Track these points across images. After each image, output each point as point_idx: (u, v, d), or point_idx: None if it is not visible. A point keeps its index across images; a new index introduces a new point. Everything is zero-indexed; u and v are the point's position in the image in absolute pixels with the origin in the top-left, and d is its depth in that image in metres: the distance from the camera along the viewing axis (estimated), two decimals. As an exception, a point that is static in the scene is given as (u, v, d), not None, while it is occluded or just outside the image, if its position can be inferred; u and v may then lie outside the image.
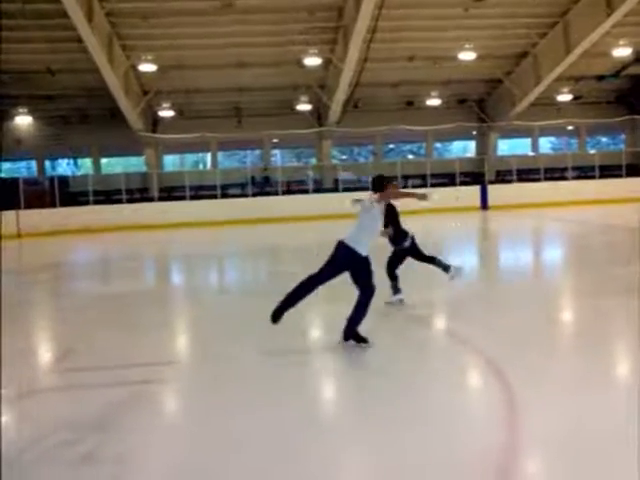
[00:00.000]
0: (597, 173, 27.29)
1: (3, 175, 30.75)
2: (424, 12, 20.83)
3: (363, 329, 5.69)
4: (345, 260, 5.59)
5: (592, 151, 30.98)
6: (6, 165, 32.50)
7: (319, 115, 28.90)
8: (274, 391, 4.73)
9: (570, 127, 31.50)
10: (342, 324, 5.82)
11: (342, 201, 24.39)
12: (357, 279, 5.65)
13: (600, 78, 27.95)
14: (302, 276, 5.63)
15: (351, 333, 5.65)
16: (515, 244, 15.06)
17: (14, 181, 24.86)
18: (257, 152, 32.47)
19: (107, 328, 7.16)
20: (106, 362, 5.66)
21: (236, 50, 22.92)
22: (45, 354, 6.61)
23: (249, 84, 25.96)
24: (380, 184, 6.02)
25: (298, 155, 34.17)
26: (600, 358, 5.20)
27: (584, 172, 28.21)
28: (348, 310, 5.66)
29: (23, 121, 27.01)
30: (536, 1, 20.65)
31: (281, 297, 5.56)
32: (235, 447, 3.79)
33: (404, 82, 27.03)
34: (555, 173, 28.48)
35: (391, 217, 7.00)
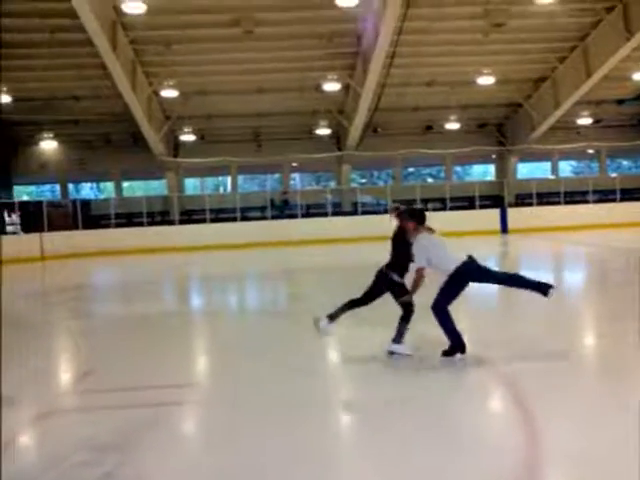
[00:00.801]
0: (618, 196, 27.04)
1: (28, 198, 31.34)
2: (443, 37, 20.99)
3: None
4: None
5: (613, 174, 30.76)
6: (31, 188, 33.17)
7: (338, 139, 29.11)
8: (293, 413, 4.74)
9: (591, 150, 31.35)
10: (363, 346, 5.80)
11: (362, 223, 24.52)
12: None
13: (620, 102, 27.88)
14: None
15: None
16: (535, 267, 14.94)
17: (38, 204, 25.29)
18: (276, 176, 32.73)
19: (127, 349, 7.23)
20: (125, 383, 5.71)
21: (256, 76, 23.27)
22: (65, 374, 6.69)
23: (269, 109, 26.28)
24: (421, 217, 6.08)
25: (317, 179, 34.38)
26: (621, 381, 5.13)
27: (605, 195, 27.99)
28: (371, 333, 5.67)
29: (48, 145, 27.60)
30: (555, 26, 20.70)
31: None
32: (253, 470, 3.80)
33: (423, 106, 27.17)
34: (576, 197, 28.28)
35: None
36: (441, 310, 5.86)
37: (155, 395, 5.34)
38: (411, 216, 6.08)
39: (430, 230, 6.07)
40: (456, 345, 5.86)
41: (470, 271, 5.88)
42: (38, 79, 22.28)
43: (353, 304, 6.31)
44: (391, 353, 6.05)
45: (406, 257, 6.04)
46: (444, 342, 5.85)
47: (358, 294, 6.29)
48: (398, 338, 6.04)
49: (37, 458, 4.25)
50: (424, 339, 6.56)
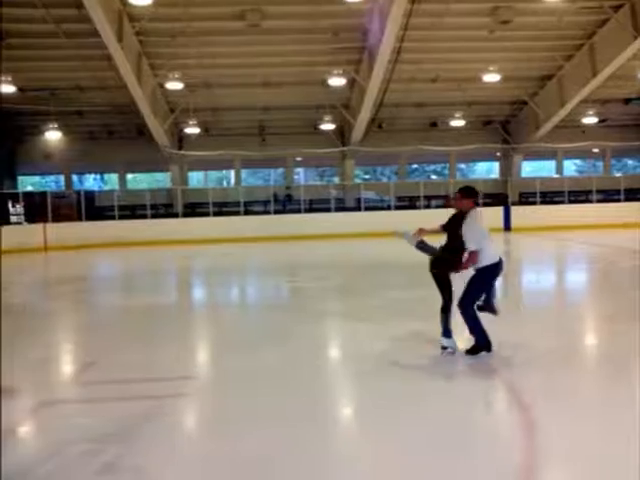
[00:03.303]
0: (622, 196, 26.99)
1: (32, 189, 31.40)
2: (449, 34, 20.92)
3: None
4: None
5: (618, 174, 30.68)
6: (35, 179, 33.23)
7: (343, 134, 29.09)
8: (293, 407, 4.75)
9: (595, 150, 31.27)
10: (364, 342, 5.76)
11: (365, 219, 24.52)
12: None
13: (627, 101, 27.81)
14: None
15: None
16: (538, 266, 14.94)
17: (42, 194, 25.34)
18: (280, 170, 32.73)
19: (129, 341, 7.25)
20: (127, 375, 5.73)
21: (262, 70, 23.25)
22: (67, 365, 6.71)
23: (274, 103, 26.29)
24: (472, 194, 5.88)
25: (321, 174, 34.36)
26: (623, 383, 5.13)
27: (609, 195, 27.93)
28: (373, 328, 5.65)
29: (52, 136, 27.61)
30: (562, 24, 20.61)
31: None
32: (253, 462, 3.81)
33: (428, 103, 27.13)
34: (580, 196, 28.26)
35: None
36: (468, 306, 5.72)
37: (156, 387, 5.37)
38: (469, 195, 5.84)
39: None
40: (482, 344, 5.77)
41: (499, 271, 5.78)
42: (43, 69, 22.28)
43: (446, 309, 5.83)
44: (443, 348, 5.87)
45: (461, 243, 5.70)
46: (431, 336, 5.84)
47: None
48: (445, 331, 5.86)
49: (37, 448, 4.27)
50: (421, 336, 6.57)
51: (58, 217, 23.82)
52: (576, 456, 3.78)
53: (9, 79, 21.33)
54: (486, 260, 5.66)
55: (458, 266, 5.75)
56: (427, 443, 4.01)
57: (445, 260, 5.80)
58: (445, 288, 5.83)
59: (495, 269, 5.74)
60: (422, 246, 6.03)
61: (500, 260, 5.76)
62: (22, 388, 5.43)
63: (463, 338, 5.98)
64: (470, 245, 5.63)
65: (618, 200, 26.90)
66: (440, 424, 4.33)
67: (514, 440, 4.04)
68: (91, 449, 4.02)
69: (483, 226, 5.78)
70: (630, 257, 15.15)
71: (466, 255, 5.69)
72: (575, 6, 19.47)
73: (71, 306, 10.75)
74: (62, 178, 31.57)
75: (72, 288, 12.83)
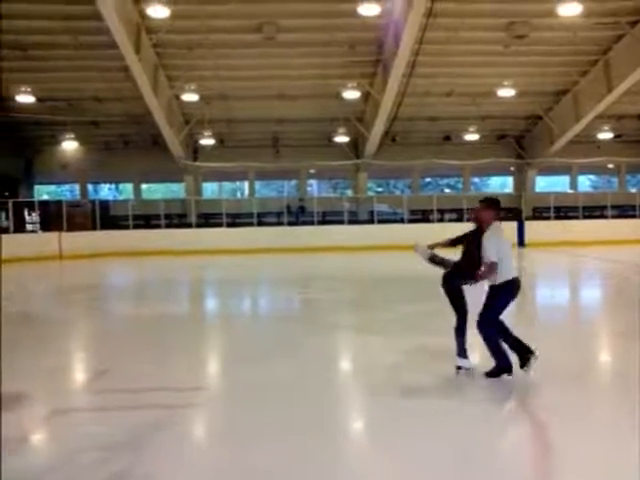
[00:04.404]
0: (637, 212, 26.77)
1: (47, 197, 31.72)
2: (463, 48, 20.97)
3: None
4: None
5: (633, 190, 30.46)
6: (51, 188, 33.56)
7: (356, 147, 29.16)
8: (302, 419, 4.74)
9: (610, 165, 31.09)
10: (375, 356, 5.69)
11: (378, 232, 24.50)
12: None
13: (642, 117, 27.67)
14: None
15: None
16: (552, 282, 14.84)
17: (58, 203, 25.59)
18: (294, 182, 32.84)
19: (141, 350, 7.28)
20: (139, 384, 5.75)
21: (277, 82, 23.41)
22: (80, 373, 6.74)
23: (288, 115, 26.43)
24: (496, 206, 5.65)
25: (334, 186, 34.43)
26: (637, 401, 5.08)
27: (624, 211, 27.72)
28: (385, 342, 5.62)
29: (69, 146, 27.95)
30: (577, 39, 20.60)
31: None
32: (261, 475, 3.81)
33: (442, 117, 27.14)
34: (594, 211, 28.07)
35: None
36: (487, 327, 5.45)
37: (167, 397, 5.38)
38: (492, 206, 5.60)
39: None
40: (503, 366, 5.47)
41: (516, 290, 5.50)
42: (61, 80, 22.59)
43: (459, 328, 5.62)
44: (458, 368, 5.65)
45: (478, 260, 5.46)
46: (443, 351, 5.78)
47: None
48: (460, 351, 5.62)
49: (48, 456, 4.29)
50: (427, 350, 6.54)
51: (73, 226, 24.03)
52: (590, 476, 3.74)
53: (28, 90, 21.70)
54: (502, 277, 5.40)
55: (472, 276, 5.51)
56: (437, 461, 3.97)
57: (458, 273, 5.60)
58: (458, 305, 5.61)
59: (511, 287, 5.46)
60: (434, 259, 5.84)
61: (516, 278, 5.49)
62: (34, 395, 5.46)
63: (482, 355, 5.82)
64: (490, 255, 5.32)
65: (633, 216, 26.68)
66: (451, 442, 4.29)
67: (528, 459, 4.01)
68: (102, 457, 4.04)
69: (506, 241, 5.56)
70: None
71: (483, 268, 5.43)
72: (590, 21, 19.44)
73: (84, 314, 10.82)
74: (77, 187, 31.87)
75: (86, 296, 12.92)
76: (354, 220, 27.73)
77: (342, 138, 27.93)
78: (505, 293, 5.47)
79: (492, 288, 5.48)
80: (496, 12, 19.05)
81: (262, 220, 27.13)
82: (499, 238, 5.48)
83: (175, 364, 6.51)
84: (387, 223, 26.70)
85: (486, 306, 5.49)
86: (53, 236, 22.77)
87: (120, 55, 18.80)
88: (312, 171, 30.86)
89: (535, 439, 4.32)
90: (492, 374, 5.52)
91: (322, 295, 12.22)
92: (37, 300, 12.54)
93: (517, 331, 5.67)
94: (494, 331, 5.48)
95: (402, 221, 26.89)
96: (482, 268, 5.44)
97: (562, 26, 19.49)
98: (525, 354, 5.49)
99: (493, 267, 5.34)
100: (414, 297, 11.55)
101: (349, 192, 31.90)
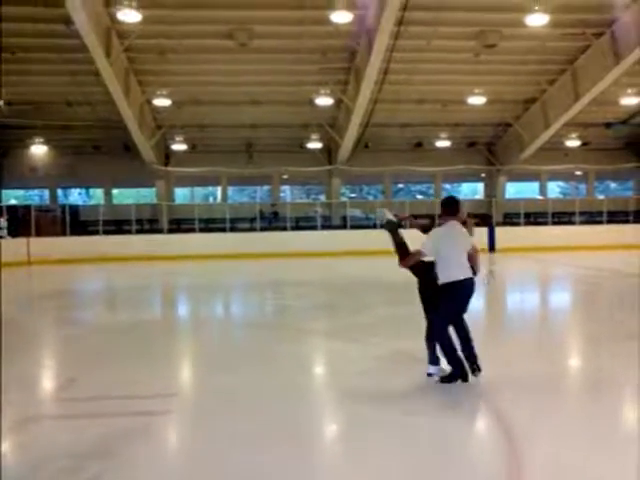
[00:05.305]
0: (605, 218, 27.34)
1: (15, 202, 31.17)
2: (435, 56, 21.25)
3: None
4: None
5: (600, 197, 31.10)
6: (19, 192, 32.99)
7: (329, 153, 29.28)
8: (274, 426, 4.74)
9: (579, 172, 31.71)
10: (348, 361, 5.68)
11: (351, 238, 24.58)
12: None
13: (608, 125, 28.29)
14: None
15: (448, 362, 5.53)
16: (522, 288, 15.06)
17: (26, 208, 25.16)
18: (266, 188, 32.81)
19: (111, 358, 7.20)
20: (108, 392, 5.69)
21: (250, 88, 23.41)
22: (48, 382, 6.65)
23: (261, 121, 26.45)
24: (446, 206, 5.68)
25: (307, 192, 34.48)
26: (605, 404, 5.18)
27: (592, 217, 28.29)
28: (358, 347, 5.62)
29: (38, 150, 27.52)
30: (546, 49, 21.02)
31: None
32: (233, 480, 3.81)
33: (414, 124, 27.43)
34: (563, 217, 28.58)
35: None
36: (438, 331, 5.45)
37: (138, 404, 5.33)
38: (442, 205, 5.72)
39: (465, 223, 5.64)
40: (457, 373, 5.48)
41: (464, 292, 5.42)
42: (30, 83, 22.29)
43: (430, 335, 5.62)
44: (429, 374, 5.67)
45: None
46: (415, 357, 5.84)
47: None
48: (431, 358, 5.64)
49: (18, 464, 4.22)
50: (402, 354, 6.59)
51: (42, 231, 23.64)
52: None
53: (-4, 93, 21.35)
54: (444, 277, 5.35)
55: (401, 258, 5.57)
56: (408, 468, 4.02)
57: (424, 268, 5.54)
58: (429, 310, 5.63)
59: (454, 290, 5.35)
60: (390, 227, 5.80)
61: (460, 281, 5.35)
62: (2, 404, 5.36)
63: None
64: (422, 246, 5.39)
65: (601, 222, 27.23)
66: (423, 449, 4.35)
67: (499, 466, 4.07)
68: (71, 466, 4.00)
69: (458, 241, 5.51)
70: (612, 278, 15.33)
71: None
72: (558, 32, 19.89)
73: (53, 321, 10.67)
74: (47, 192, 31.39)
75: (55, 303, 12.72)
76: (327, 225, 27.82)
77: (315, 144, 28.02)
78: (447, 296, 5.39)
79: (439, 287, 5.45)
80: (466, 21, 19.35)
81: (235, 226, 27.02)
82: (446, 235, 5.45)
83: (146, 372, 6.46)
84: (360, 229, 26.81)
85: (435, 310, 5.51)
86: (21, 242, 22.34)
87: (91, 59, 18.62)
88: (285, 177, 30.87)
89: (505, 446, 4.38)
90: (446, 380, 5.52)
91: (295, 301, 12.22)
92: (4, 307, 12.30)
93: (487, 337, 5.74)
94: (443, 337, 5.42)
95: (375, 227, 27.00)
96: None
97: (531, 36, 19.89)
98: (471, 366, 5.54)
99: (414, 255, 5.43)
100: (387, 302, 11.63)
101: (322, 198, 31.99)
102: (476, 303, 9.17)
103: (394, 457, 4.10)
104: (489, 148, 30.72)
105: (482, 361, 5.58)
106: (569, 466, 3.90)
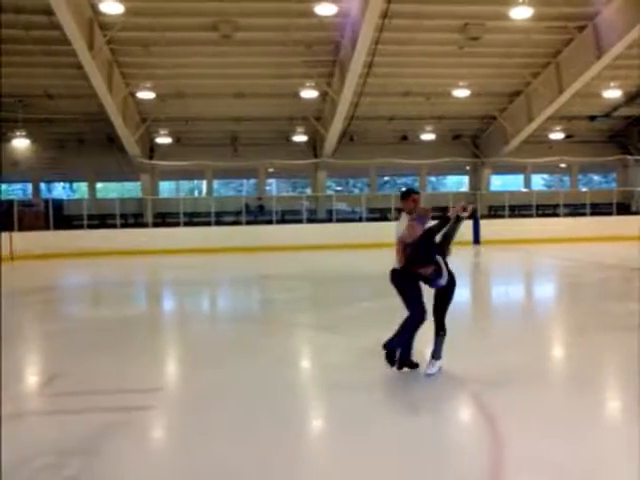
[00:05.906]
0: (588, 211, 27.59)
1: (-2, 197, 30.82)
2: (419, 49, 21.25)
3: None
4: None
5: (584, 189, 31.36)
6: (2, 187, 32.60)
7: (315, 146, 29.23)
8: (261, 420, 4.75)
9: (563, 165, 31.94)
10: (334, 354, 5.73)
11: (336, 231, 24.63)
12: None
13: (592, 118, 28.51)
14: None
15: (399, 356, 5.74)
16: (508, 280, 15.16)
17: (9, 203, 24.89)
18: (252, 181, 32.70)
19: (95, 353, 7.17)
20: (93, 387, 5.66)
21: (234, 81, 23.28)
22: (31, 377, 6.60)
23: (246, 114, 26.32)
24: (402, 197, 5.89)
25: (293, 185, 34.43)
26: (588, 394, 5.24)
27: (576, 209, 28.52)
28: (344, 340, 5.64)
29: (20, 144, 27.18)
30: (530, 42, 21.11)
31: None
32: (219, 476, 3.81)
33: (399, 116, 27.43)
34: (547, 210, 28.79)
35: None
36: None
37: (122, 399, 5.32)
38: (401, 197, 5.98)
39: (411, 213, 5.74)
40: (404, 358, 5.75)
41: (391, 279, 5.72)
42: (12, 75, 21.90)
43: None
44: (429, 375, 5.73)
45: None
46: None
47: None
48: (436, 353, 5.72)
49: None
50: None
51: (25, 226, 23.41)
52: (543, 471, 3.85)
53: (-24, 85, 21.02)
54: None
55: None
56: (395, 460, 4.04)
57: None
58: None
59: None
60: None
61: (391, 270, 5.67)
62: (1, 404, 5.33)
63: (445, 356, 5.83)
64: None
65: (584, 214, 27.47)
66: (409, 441, 4.37)
67: (482, 457, 4.11)
68: (54, 462, 3.98)
69: (398, 231, 5.73)
70: (595, 270, 15.48)
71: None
72: (542, 25, 19.96)
73: (37, 316, 10.59)
74: (30, 186, 31.05)
75: (39, 298, 12.62)
76: (313, 219, 27.80)
77: (300, 137, 27.96)
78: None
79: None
80: (451, 14, 19.35)
81: (220, 219, 26.92)
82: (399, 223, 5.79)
83: (131, 366, 6.44)
84: (346, 222, 26.86)
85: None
86: (4, 237, 22.11)
87: (73, 51, 18.39)
88: (271, 170, 30.78)
89: (488, 437, 4.42)
90: (389, 358, 5.73)
91: (280, 294, 12.22)
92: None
93: (466, 328, 5.79)
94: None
95: (360, 220, 27.08)
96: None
97: (515, 29, 19.95)
98: (405, 361, 5.75)
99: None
100: (373, 294, 11.66)
101: (308, 191, 31.96)
102: (460, 295, 9.25)
103: (378, 449, 4.12)
104: (474, 141, 30.83)
105: (467, 352, 5.62)
106: (552, 458, 3.94)
